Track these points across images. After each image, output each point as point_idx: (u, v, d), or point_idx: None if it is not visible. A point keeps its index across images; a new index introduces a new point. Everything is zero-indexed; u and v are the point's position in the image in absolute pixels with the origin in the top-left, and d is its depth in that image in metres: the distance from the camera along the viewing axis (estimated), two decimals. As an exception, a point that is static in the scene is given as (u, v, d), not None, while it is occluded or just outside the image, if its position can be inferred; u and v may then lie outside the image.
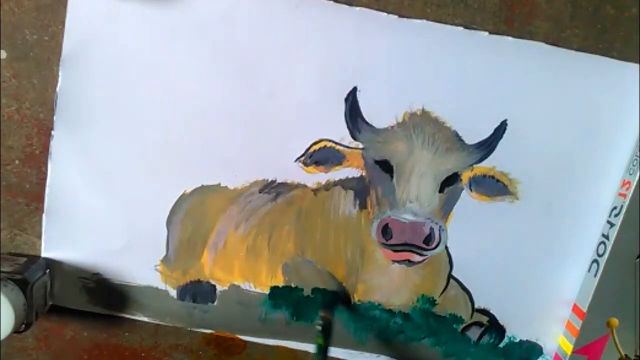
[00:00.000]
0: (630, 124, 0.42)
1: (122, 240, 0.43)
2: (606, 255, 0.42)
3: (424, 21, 0.40)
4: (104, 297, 0.45)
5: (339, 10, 0.40)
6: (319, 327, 0.42)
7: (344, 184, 0.43)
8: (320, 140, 0.42)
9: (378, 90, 0.41)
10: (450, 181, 0.43)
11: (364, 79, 0.41)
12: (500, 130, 0.42)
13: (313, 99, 0.41)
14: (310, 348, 0.47)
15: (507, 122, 0.42)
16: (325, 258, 0.45)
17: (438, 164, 0.43)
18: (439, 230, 0.43)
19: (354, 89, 0.41)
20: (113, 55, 0.40)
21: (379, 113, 0.42)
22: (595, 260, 0.44)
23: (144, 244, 0.44)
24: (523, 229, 0.44)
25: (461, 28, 0.40)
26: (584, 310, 0.44)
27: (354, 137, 0.42)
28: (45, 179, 0.42)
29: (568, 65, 0.41)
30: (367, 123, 0.42)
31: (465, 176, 0.43)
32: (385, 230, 0.43)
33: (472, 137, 0.42)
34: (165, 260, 0.44)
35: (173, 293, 0.45)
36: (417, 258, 0.44)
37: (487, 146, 0.42)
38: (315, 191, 0.43)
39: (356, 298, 0.46)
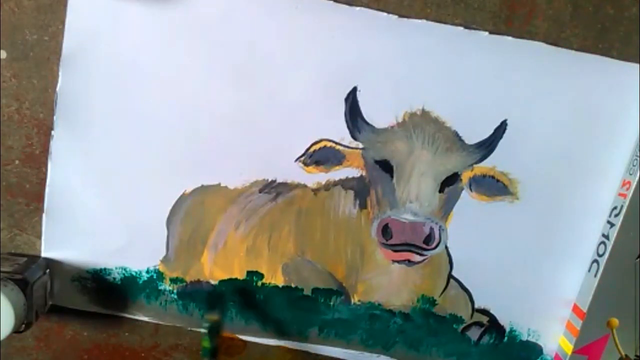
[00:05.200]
0: (630, 124, 0.42)
1: (122, 241, 0.43)
2: (606, 255, 0.42)
3: (424, 21, 0.40)
4: (104, 297, 0.45)
5: (339, 10, 0.40)
6: (205, 330, 0.41)
7: (344, 184, 0.43)
8: (320, 140, 0.42)
9: (378, 90, 0.41)
10: (450, 181, 0.43)
11: (364, 79, 0.41)
12: (500, 130, 0.42)
13: (313, 99, 0.41)
14: (310, 348, 0.47)
15: (507, 122, 0.42)
16: (325, 258, 0.45)
17: (438, 164, 0.43)
18: (439, 230, 0.43)
19: (354, 89, 0.41)
20: (113, 55, 0.40)
21: (379, 113, 0.42)
22: (595, 260, 0.44)
23: (144, 244, 0.43)
24: (523, 229, 0.44)
25: (461, 28, 0.40)
26: (584, 310, 0.44)
27: (354, 137, 0.42)
28: (45, 179, 0.42)
29: (568, 65, 0.41)
30: (367, 123, 0.42)
31: (465, 176, 0.43)
32: (385, 230, 0.43)
33: (472, 137, 0.42)
34: (165, 260, 0.44)
35: (173, 293, 0.45)
36: (417, 258, 0.44)
37: (487, 146, 0.42)
38: (315, 191, 0.43)
39: (356, 298, 0.46)
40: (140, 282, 0.44)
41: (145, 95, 0.41)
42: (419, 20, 0.40)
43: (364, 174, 0.43)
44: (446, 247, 0.44)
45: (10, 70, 0.40)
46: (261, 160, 0.42)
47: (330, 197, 0.43)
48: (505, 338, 0.47)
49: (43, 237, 0.43)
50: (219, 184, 0.43)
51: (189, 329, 0.46)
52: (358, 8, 0.40)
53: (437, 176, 0.43)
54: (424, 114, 0.42)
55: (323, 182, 0.43)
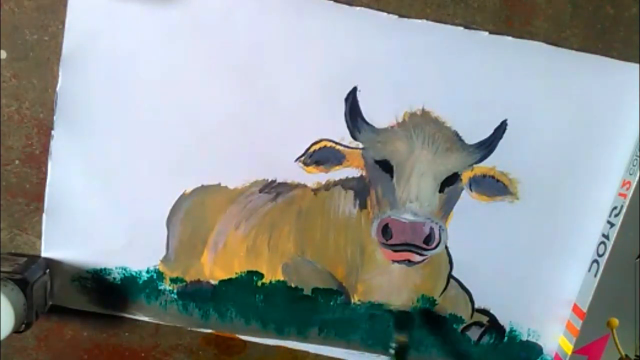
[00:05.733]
0: (630, 124, 0.42)
1: (122, 240, 0.43)
2: (606, 255, 0.42)
3: (424, 21, 0.40)
4: (104, 297, 0.45)
5: (339, 10, 0.40)
6: (392, 351, 0.41)
7: (344, 184, 0.43)
8: (320, 140, 0.42)
9: (378, 90, 0.41)
10: (450, 181, 0.43)
11: (364, 79, 0.41)
12: (500, 130, 0.42)
13: (313, 99, 0.41)
14: (310, 348, 0.47)
15: (507, 122, 0.42)
16: (325, 258, 0.45)
17: (438, 164, 0.43)
18: (439, 230, 0.43)
19: (354, 89, 0.41)
20: (113, 55, 0.40)
21: (379, 113, 0.42)
22: (595, 260, 0.44)
23: (144, 244, 0.43)
24: (523, 229, 0.44)
25: (461, 28, 0.40)
26: (584, 310, 0.44)
27: (354, 137, 0.42)
28: (45, 179, 0.42)
29: (568, 65, 0.41)
30: (367, 123, 0.42)
31: (465, 176, 0.43)
32: (385, 230, 0.43)
33: (472, 137, 0.42)
34: (165, 260, 0.44)
35: (173, 293, 0.45)
36: (417, 258, 0.44)
37: (487, 146, 0.42)
38: (315, 191, 0.43)
39: (356, 298, 0.46)
40: (140, 282, 0.44)
41: (145, 96, 0.41)
42: (419, 20, 0.40)
43: (364, 174, 0.43)
44: (446, 247, 0.44)
45: (10, 70, 0.40)
46: (261, 160, 0.42)
47: (330, 197, 0.43)
48: (505, 338, 0.47)
49: (43, 237, 0.43)
50: (219, 184, 0.43)
51: (189, 329, 0.46)
52: (358, 8, 0.40)
53: (437, 176, 0.43)
54: (424, 114, 0.42)
55: (323, 182, 0.43)
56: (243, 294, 0.45)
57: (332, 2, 0.40)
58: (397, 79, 0.41)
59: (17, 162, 0.42)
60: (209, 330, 0.46)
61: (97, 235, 0.43)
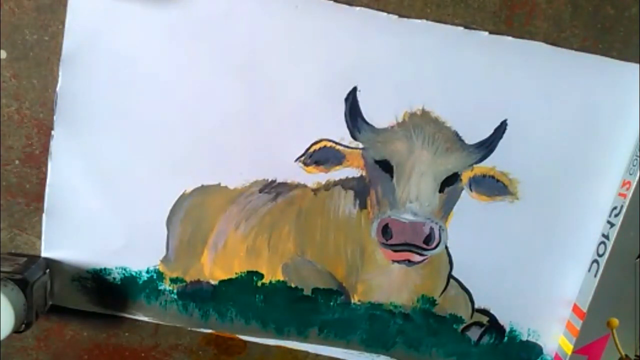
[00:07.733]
0: (630, 124, 0.42)
1: (122, 241, 0.43)
2: (606, 255, 0.42)
3: (424, 21, 0.40)
4: (104, 297, 0.45)
5: (339, 10, 0.40)
6: None
7: (344, 184, 0.43)
8: (320, 140, 0.42)
9: (378, 90, 0.41)
10: (450, 181, 0.43)
11: (364, 79, 0.41)
12: (500, 130, 0.42)
13: (313, 99, 0.41)
14: (310, 348, 0.47)
15: (507, 122, 0.42)
16: (325, 258, 0.45)
17: (438, 164, 0.43)
18: (439, 230, 0.43)
19: (354, 89, 0.41)
20: (113, 55, 0.40)
21: (379, 113, 0.42)
22: (595, 260, 0.44)
23: (144, 244, 0.43)
24: (523, 229, 0.44)
25: (461, 28, 0.40)
26: (584, 310, 0.44)
27: (354, 137, 0.42)
28: (45, 179, 0.42)
29: (568, 65, 0.41)
30: (367, 123, 0.42)
31: (465, 176, 0.43)
32: (385, 230, 0.43)
33: (472, 137, 0.42)
34: (165, 260, 0.44)
35: (173, 293, 0.45)
36: (417, 258, 0.44)
37: (487, 146, 0.42)
38: (315, 191, 0.43)
39: (356, 298, 0.46)
40: (140, 282, 0.44)
41: (145, 95, 0.41)
42: (419, 20, 0.40)
43: (364, 174, 0.43)
44: (446, 247, 0.44)
45: (10, 70, 0.40)
46: (261, 160, 0.42)
47: (330, 197, 0.43)
48: (505, 338, 0.47)
49: (43, 237, 0.43)
50: (219, 184, 0.43)
51: (189, 329, 0.46)
52: (358, 8, 0.40)
53: (437, 176, 0.43)
54: (424, 114, 0.42)
55: (323, 182, 0.43)
56: (243, 294, 0.45)
57: (332, 2, 0.40)
58: (397, 79, 0.41)
59: (17, 162, 0.42)
60: (209, 330, 0.47)
61: (97, 235, 0.43)
